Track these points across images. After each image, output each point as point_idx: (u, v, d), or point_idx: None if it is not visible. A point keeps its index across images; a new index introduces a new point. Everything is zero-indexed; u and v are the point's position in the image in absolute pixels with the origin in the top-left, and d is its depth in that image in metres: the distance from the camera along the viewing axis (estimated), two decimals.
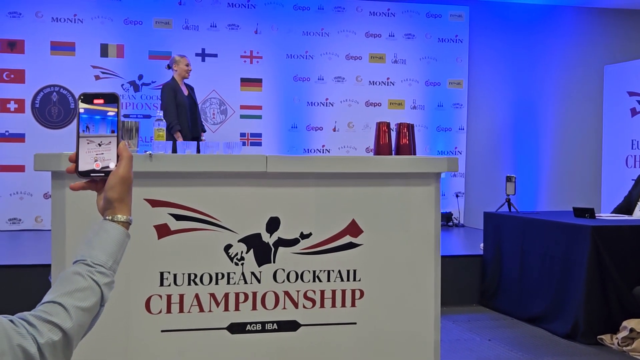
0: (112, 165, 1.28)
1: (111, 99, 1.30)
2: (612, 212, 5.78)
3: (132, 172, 1.30)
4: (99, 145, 1.28)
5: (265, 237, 2.95)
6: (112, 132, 1.29)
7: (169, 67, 6.86)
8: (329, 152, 8.81)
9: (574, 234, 4.78)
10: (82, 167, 1.28)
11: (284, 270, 2.97)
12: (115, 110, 1.30)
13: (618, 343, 4.40)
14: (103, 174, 1.28)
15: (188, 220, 2.86)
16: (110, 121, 1.29)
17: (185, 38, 8.44)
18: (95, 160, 1.28)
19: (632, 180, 6.13)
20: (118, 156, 1.29)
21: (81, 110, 1.29)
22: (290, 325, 2.98)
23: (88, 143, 1.28)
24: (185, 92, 6.82)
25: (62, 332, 1.13)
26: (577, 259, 4.71)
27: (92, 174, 1.28)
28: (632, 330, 4.35)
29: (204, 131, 7.09)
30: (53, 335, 1.11)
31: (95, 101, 1.29)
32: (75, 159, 1.28)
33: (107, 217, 1.28)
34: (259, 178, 2.93)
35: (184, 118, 6.64)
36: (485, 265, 5.80)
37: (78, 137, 1.28)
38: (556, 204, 9.29)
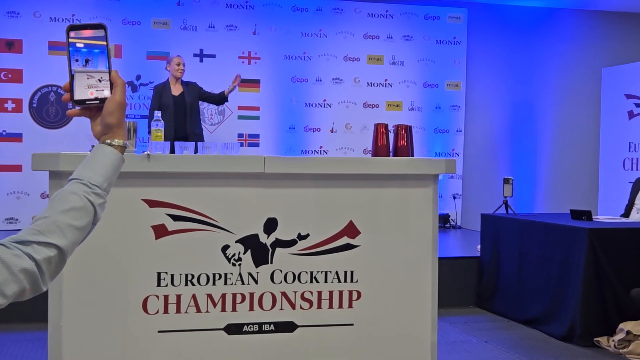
0: (106, 93, 1.32)
1: (98, 28, 1.34)
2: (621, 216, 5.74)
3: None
4: (92, 77, 1.33)
5: (263, 237, 2.95)
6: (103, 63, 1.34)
7: (166, 68, 6.92)
8: (326, 153, 8.80)
9: (571, 236, 4.78)
10: (78, 95, 1.32)
11: (281, 271, 2.96)
12: (104, 42, 1.33)
13: (615, 345, 4.41)
14: (98, 102, 1.32)
15: (185, 220, 2.86)
16: (100, 53, 1.33)
17: (183, 39, 8.44)
18: (89, 88, 1.32)
19: (630, 182, 6.13)
20: (111, 83, 1.33)
21: (71, 41, 1.32)
22: (287, 326, 2.98)
23: (81, 74, 1.32)
24: (177, 92, 6.81)
25: (57, 249, 1.18)
26: (574, 261, 4.71)
27: (87, 102, 1.33)
28: (628, 332, 4.35)
29: (198, 133, 6.94)
30: (49, 251, 1.17)
31: (84, 32, 1.33)
32: (69, 88, 1.32)
33: (105, 141, 1.33)
34: (256, 179, 2.93)
35: (167, 119, 6.62)
36: (483, 267, 5.80)
37: (70, 66, 1.32)
38: (553, 206, 9.30)
